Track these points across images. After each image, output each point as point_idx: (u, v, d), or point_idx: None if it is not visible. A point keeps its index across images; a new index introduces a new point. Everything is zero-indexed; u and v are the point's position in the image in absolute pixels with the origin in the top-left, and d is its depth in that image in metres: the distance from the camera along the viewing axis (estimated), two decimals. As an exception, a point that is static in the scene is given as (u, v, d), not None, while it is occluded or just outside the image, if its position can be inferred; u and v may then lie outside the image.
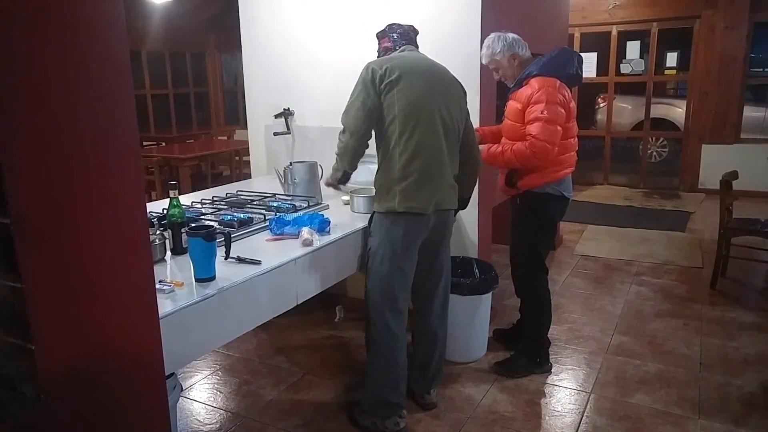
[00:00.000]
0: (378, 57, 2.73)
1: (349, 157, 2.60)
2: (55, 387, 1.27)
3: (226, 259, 2.26)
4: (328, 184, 2.81)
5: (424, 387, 2.87)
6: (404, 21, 2.78)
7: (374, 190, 2.67)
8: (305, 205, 3.10)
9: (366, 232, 2.79)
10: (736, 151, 7.30)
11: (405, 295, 2.67)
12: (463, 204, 2.89)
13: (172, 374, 2.14)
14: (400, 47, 2.68)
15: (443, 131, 2.56)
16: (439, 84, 2.60)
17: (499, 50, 2.95)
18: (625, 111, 8.99)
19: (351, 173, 2.69)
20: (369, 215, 2.75)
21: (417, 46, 2.76)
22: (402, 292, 2.64)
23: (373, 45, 2.77)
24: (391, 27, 2.75)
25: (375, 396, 2.67)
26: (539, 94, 2.79)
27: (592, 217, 6.45)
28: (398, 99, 2.49)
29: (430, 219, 2.60)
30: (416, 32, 2.79)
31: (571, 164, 3.02)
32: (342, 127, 2.58)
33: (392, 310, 2.61)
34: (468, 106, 2.77)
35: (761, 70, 9.02)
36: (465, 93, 2.75)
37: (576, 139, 3.04)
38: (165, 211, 2.47)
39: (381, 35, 2.77)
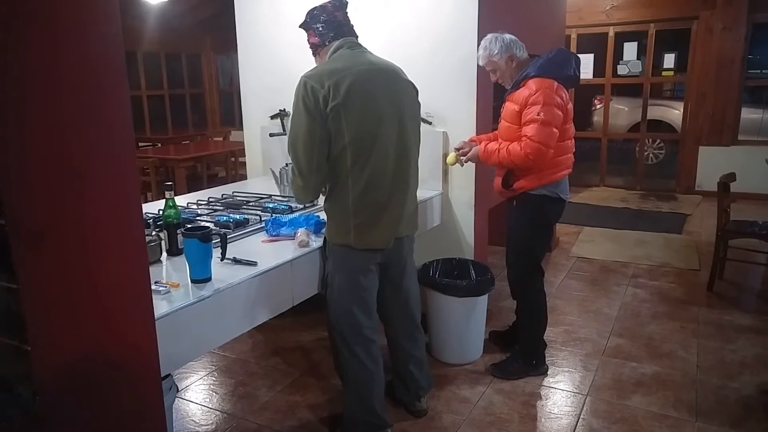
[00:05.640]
0: (312, 51, 2.45)
1: (309, 198, 2.39)
2: (51, 388, 1.26)
3: (222, 260, 2.25)
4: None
5: (412, 398, 2.80)
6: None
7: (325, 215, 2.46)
8: (301, 206, 3.09)
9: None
10: (734, 153, 7.31)
11: (370, 322, 2.50)
12: None
13: (168, 375, 2.13)
14: (329, 42, 2.36)
15: (402, 154, 2.35)
16: (393, 98, 2.31)
17: (496, 51, 2.95)
18: (621, 113, 9.01)
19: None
20: None
21: (351, 26, 2.40)
22: (366, 319, 2.48)
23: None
24: (312, 15, 2.36)
25: (355, 419, 2.56)
26: (536, 96, 2.78)
27: (588, 218, 6.46)
28: (347, 126, 2.19)
29: (388, 245, 2.44)
30: (344, 6, 2.39)
31: (568, 166, 3.02)
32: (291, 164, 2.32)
33: (358, 338, 2.47)
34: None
35: (759, 71, 9.06)
36: (417, 93, 2.48)
37: (573, 140, 3.04)
38: (161, 212, 2.46)
39: (305, 28, 2.40)
